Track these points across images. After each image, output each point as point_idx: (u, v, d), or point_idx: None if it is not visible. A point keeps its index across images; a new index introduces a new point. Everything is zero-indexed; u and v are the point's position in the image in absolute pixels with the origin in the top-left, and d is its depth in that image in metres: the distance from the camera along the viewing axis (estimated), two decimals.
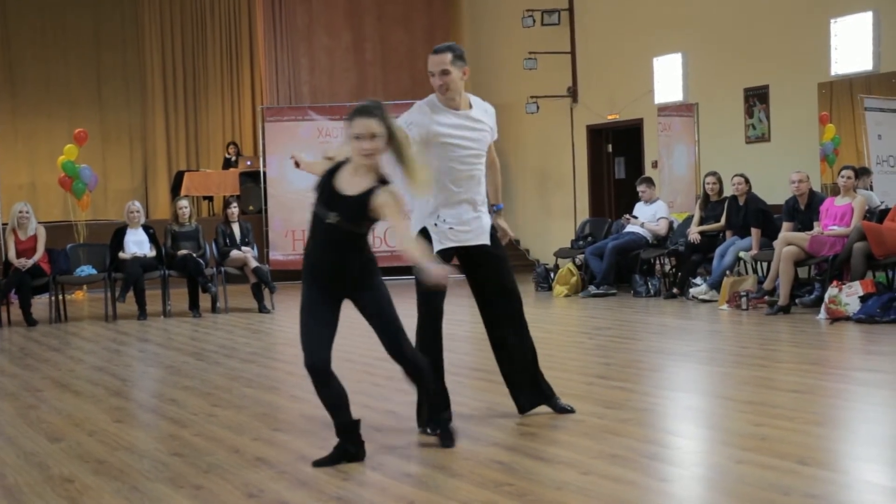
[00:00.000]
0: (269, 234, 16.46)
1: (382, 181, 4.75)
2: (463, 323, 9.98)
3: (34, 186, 18.98)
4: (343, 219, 4.73)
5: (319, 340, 4.82)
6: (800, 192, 10.86)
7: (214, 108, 20.19)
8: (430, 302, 5.49)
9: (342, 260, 4.81)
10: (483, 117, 5.62)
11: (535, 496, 4.30)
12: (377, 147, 4.71)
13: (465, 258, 5.67)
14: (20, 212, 12.29)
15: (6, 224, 12.80)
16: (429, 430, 5.38)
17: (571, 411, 5.81)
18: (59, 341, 10.45)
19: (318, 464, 4.89)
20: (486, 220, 5.66)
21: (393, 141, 4.77)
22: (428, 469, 4.80)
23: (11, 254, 12.08)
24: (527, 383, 5.80)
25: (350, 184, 4.77)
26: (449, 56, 5.44)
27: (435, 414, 5.32)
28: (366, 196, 4.71)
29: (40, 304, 12.86)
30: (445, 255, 5.50)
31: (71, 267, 12.54)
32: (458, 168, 5.50)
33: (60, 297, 12.38)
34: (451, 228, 5.52)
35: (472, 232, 5.57)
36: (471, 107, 5.59)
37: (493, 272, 5.69)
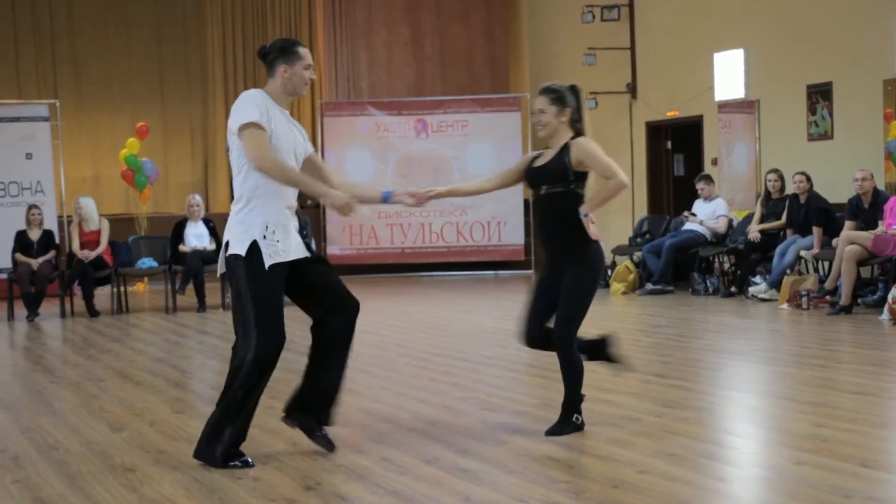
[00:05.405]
0: (327, 228, 16.54)
1: (573, 137, 5.32)
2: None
3: (97, 179, 19.23)
4: (548, 184, 5.28)
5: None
6: (863, 190, 10.69)
7: None
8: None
9: (554, 229, 5.32)
10: None
11: (590, 494, 4.28)
12: (542, 121, 5.34)
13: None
14: (84, 205, 12.51)
15: (71, 216, 13.04)
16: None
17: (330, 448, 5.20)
18: (120, 332, 10.61)
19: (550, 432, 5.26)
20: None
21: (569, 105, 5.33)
22: (484, 465, 4.80)
23: (75, 245, 12.29)
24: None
25: (545, 157, 5.39)
26: None
27: None
28: (562, 153, 5.27)
29: (102, 295, 13.07)
30: None
31: (132, 259, 12.73)
32: None
33: (122, 288, 12.57)
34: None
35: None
36: None
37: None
